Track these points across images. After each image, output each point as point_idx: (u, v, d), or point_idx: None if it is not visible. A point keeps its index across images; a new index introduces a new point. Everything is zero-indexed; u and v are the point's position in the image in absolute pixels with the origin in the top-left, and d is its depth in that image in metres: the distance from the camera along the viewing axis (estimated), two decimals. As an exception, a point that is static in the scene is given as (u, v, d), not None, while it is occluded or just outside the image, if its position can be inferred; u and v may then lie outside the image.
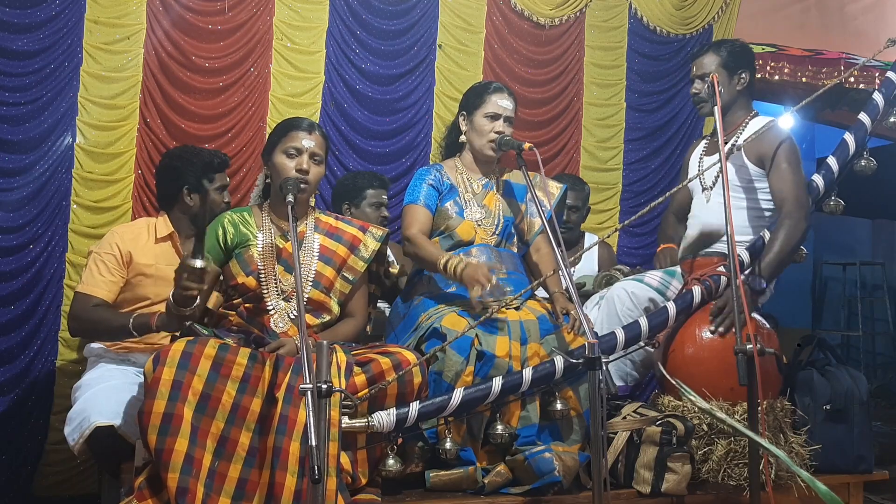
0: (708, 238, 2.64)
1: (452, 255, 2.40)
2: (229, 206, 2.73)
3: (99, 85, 3.12)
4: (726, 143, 2.61)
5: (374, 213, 3.09)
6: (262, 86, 3.38)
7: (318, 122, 3.43)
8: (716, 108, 2.44)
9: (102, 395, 2.37)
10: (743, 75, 2.69)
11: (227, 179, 2.75)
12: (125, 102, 3.16)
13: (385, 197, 3.18)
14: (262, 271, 2.25)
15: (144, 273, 2.53)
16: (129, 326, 2.35)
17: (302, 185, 2.22)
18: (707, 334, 2.44)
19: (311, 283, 2.27)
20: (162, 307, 2.49)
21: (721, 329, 2.40)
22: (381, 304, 2.93)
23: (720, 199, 2.40)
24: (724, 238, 2.28)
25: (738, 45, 2.74)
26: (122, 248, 2.52)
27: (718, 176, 2.64)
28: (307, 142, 2.26)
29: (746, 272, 2.48)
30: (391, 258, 2.93)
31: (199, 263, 1.93)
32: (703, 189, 2.74)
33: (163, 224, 2.63)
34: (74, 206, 3.08)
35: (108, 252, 2.52)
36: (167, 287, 2.53)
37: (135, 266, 2.53)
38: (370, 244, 2.38)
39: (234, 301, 2.29)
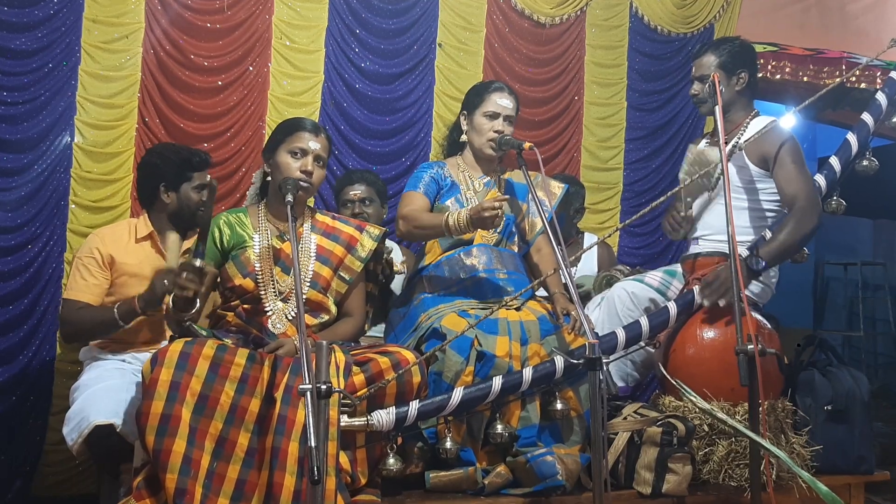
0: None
1: (451, 212, 2.37)
2: (206, 204, 2.66)
3: (97, 84, 3.11)
4: (727, 143, 2.60)
5: (348, 212, 2.97)
6: (262, 85, 3.38)
7: (317, 121, 3.43)
8: (717, 108, 2.42)
9: (101, 394, 2.37)
10: (742, 75, 2.68)
11: (207, 178, 2.67)
12: (124, 101, 3.15)
13: (356, 192, 3.03)
14: (260, 273, 2.24)
15: (128, 273, 2.53)
16: (115, 317, 2.36)
17: (304, 185, 2.21)
18: (708, 335, 2.43)
19: (308, 284, 2.26)
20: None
21: (706, 302, 2.39)
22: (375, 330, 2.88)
23: (722, 200, 2.39)
24: (725, 238, 2.26)
25: (737, 45, 2.72)
26: (103, 251, 2.53)
27: (720, 176, 2.62)
28: (313, 144, 2.26)
29: (747, 252, 2.47)
30: (397, 261, 2.91)
31: (198, 262, 1.96)
32: (705, 189, 2.72)
33: (143, 224, 2.63)
34: (73, 205, 3.07)
35: (88, 256, 2.53)
36: None
37: (118, 267, 2.53)
38: (367, 243, 2.37)
39: (232, 303, 2.28)
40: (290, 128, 2.30)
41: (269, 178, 2.34)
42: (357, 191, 3.04)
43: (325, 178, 2.36)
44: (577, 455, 2.26)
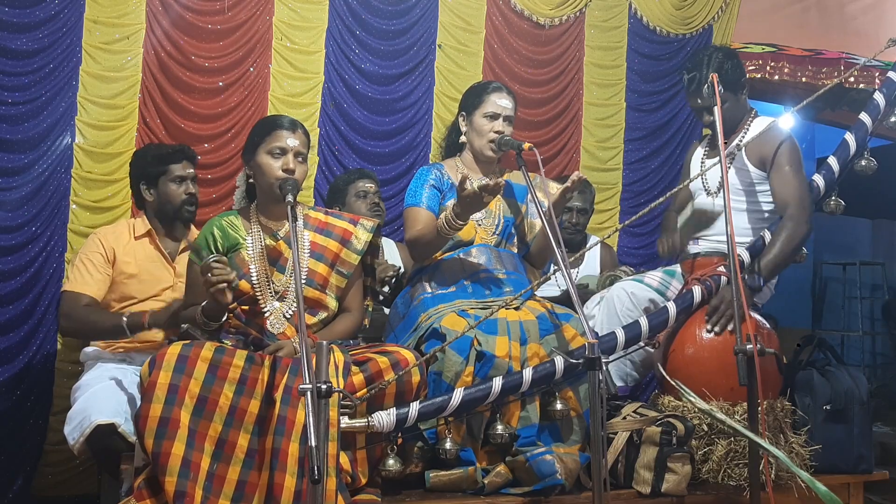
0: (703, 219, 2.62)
1: (442, 216, 2.37)
2: (193, 199, 2.70)
3: (98, 84, 3.12)
4: (730, 144, 2.61)
5: (363, 203, 3.03)
6: (262, 85, 3.38)
7: (318, 121, 3.44)
8: (715, 108, 2.42)
9: (103, 394, 2.38)
10: (744, 83, 2.68)
11: (189, 171, 2.69)
12: (124, 102, 3.16)
13: (370, 185, 3.10)
14: (255, 273, 2.24)
15: (127, 271, 2.56)
16: (122, 326, 2.38)
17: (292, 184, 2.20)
18: (707, 334, 2.44)
19: (304, 281, 2.25)
20: (148, 305, 2.53)
21: (717, 328, 2.40)
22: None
23: (721, 201, 2.40)
24: (724, 238, 2.27)
25: (723, 55, 2.65)
26: (106, 246, 2.57)
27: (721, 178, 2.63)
28: (292, 141, 2.24)
29: (746, 258, 2.48)
30: (395, 258, 2.92)
31: (213, 257, 1.99)
32: (708, 194, 2.72)
33: (141, 223, 2.68)
34: (73, 205, 3.08)
35: (94, 251, 2.57)
36: (151, 285, 2.57)
37: (118, 265, 2.57)
38: (362, 236, 2.36)
39: (231, 305, 2.28)
40: (267, 127, 2.27)
41: (251, 181, 2.33)
42: (371, 184, 3.10)
43: (307, 173, 2.37)
44: (576, 454, 2.26)
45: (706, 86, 2.59)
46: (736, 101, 2.67)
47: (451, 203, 2.34)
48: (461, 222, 2.35)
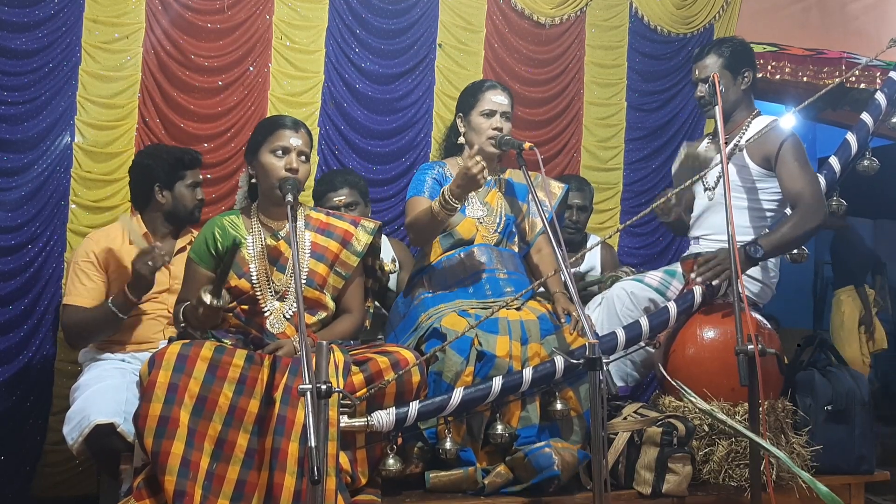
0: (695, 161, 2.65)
1: (437, 198, 2.36)
2: (202, 203, 2.74)
3: (98, 84, 3.12)
4: (729, 142, 2.60)
5: None
6: (262, 85, 3.37)
7: (317, 121, 3.44)
8: (717, 108, 2.42)
9: (101, 393, 2.37)
10: (746, 74, 2.68)
11: (200, 177, 2.74)
12: (124, 102, 3.15)
13: (340, 198, 2.89)
14: (255, 273, 2.24)
15: (123, 275, 2.54)
16: (112, 311, 2.40)
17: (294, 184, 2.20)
18: (708, 335, 2.43)
19: (304, 281, 2.25)
20: (145, 307, 2.55)
21: (700, 278, 2.40)
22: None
23: (722, 199, 2.39)
24: (725, 238, 2.26)
25: (738, 44, 2.72)
26: (98, 253, 2.56)
27: (720, 176, 2.63)
28: (295, 140, 2.24)
29: (748, 241, 2.47)
30: (392, 258, 2.92)
31: (207, 299, 2.00)
32: (706, 189, 2.72)
33: (136, 225, 2.65)
34: (73, 205, 3.07)
35: (85, 260, 2.56)
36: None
37: (113, 268, 2.56)
38: (362, 238, 2.35)
39: (230, 305, 2.28)
40: (270, 127, 2.28)
41: (254, 181, 2.33)
42: (341, 196, 2.91)
43: (310, 172, 2.37)
44: (574, 449, 2.26)
45: (709, 84, 2.61)
46: (732, 81, 2.66)
47: (449, 188, 2.33)
48: (456, 202, 2.33)
